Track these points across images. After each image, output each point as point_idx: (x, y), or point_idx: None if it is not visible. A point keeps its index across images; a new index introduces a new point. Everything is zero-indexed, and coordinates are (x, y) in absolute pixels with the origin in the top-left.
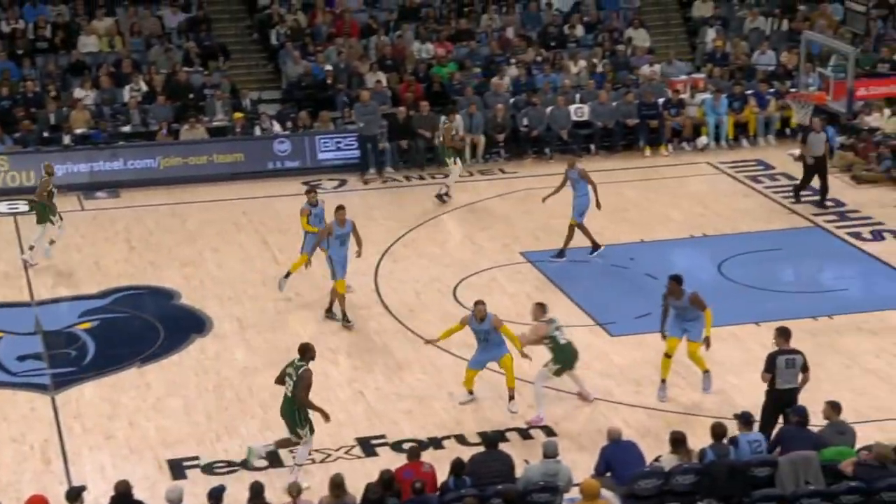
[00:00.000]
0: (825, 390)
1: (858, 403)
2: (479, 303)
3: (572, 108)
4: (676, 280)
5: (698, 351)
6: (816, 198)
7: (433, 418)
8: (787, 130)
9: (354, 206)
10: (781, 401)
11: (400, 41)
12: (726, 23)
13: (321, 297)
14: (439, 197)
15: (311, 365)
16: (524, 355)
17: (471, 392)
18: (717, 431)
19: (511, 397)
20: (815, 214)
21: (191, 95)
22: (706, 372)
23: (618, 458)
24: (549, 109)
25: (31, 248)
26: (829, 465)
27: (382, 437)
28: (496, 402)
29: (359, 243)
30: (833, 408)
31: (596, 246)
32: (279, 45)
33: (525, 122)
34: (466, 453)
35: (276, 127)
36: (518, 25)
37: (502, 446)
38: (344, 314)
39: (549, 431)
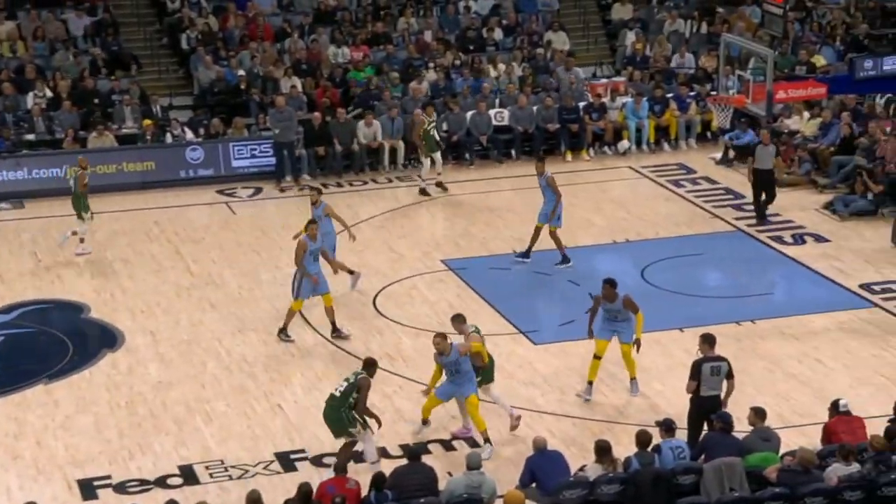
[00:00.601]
0: (749, 395)
1: (782, 409)
2: (436, 336)
3: (492, 112)
4: (611, 284)
5: (630, 352)
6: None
7: None
8: (708, 134)
9: (270, 215)
10: (705, 408)
11: (315, 45)
12: (646, 26)
13: (238, 308)
14: (440, 185)
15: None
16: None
17: (426, 421)
18: (642, 439)
19: (486, 440)
20: (737, 219)
21: (97, 102)
22: (633, 379)
23: (543, 468)
24: (468, 114)
25: (82, 240)
26: (753, 472)
27: (302, 451)
28: (417, 414)
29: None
30: (757, 414)
31: (565, 258)
32: (190, 50)
33: (444, 127)
34: (388, 466)
35: (189, 134)
36: (436, 29)
37: (425, 459)
38: (284, 328)
39: (473, 443)
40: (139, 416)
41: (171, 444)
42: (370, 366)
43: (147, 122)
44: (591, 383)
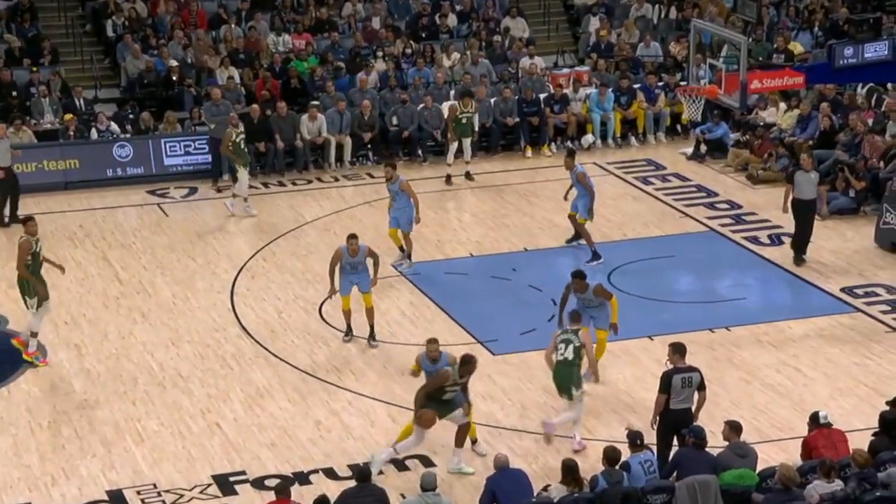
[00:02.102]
0: (724, 408)
1: (759, 422)
2: (431, 341)
3: (445, 104)
4: (580, 276)
5: (606, 338)
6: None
7: (298, 451)
8: (678, 127)
9: (206, 217)
10: (677, 422)
11: (253, 33)
12: (610, 11)
13: (171, 319)
14: (468, 175)
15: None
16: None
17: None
18: (610, 456)
19: (474, 441)
20: (710, 218)
21: (14, 94)
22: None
23: (504, 488)
24: (420, 107)
25: (234, 195)
26: (729, 490)
27: (242, 473)
28: (367, 431)
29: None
30: (733, 428)
31: (596, 255)
32: (116, 38)
33: (394, 121)
34: (336, 489)
35: (116, 129)
36: (385, 15)
37: (376, 479)
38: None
39: (427, 461)
40: (63, 438)
41: (98, 468)
42: (468, 364)
43: (69, 116)
44: None
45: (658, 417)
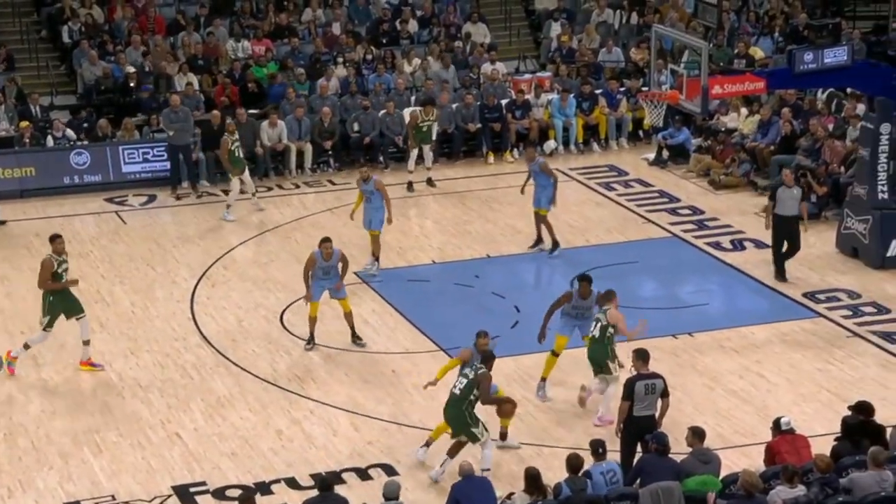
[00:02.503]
0: (687, 414)
1: (722, 428)
2: (482, 334)
3: (407, 111)
4: (588, 281)
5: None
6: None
7: (260, 460)
8: (640, 133)
9: (165, 225)
10: (640, 428)
11: (212, 39)
12: (572, 16)
13: (130, 328)
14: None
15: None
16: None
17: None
18: (573, 464)
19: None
20: (672, 224)
21: None
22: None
23: (468, 496)
24: (381, 113)
25: (228, 206)
26: (692, 496)
27: (203, 483)
28: (330, 440)
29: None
30: (696, 434)
31: (555, 244)
32: (73, 44)
33: (355, 127)
34: (298, 498)
35: (72, 136)
36: (345, 20)
37: (338, 489)
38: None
39: (390, 470)
40: (19, 450)
41: (55, 480)
42: (489, 359)
43: (24, 123)
44: (544, 380)
45: (622, 425)
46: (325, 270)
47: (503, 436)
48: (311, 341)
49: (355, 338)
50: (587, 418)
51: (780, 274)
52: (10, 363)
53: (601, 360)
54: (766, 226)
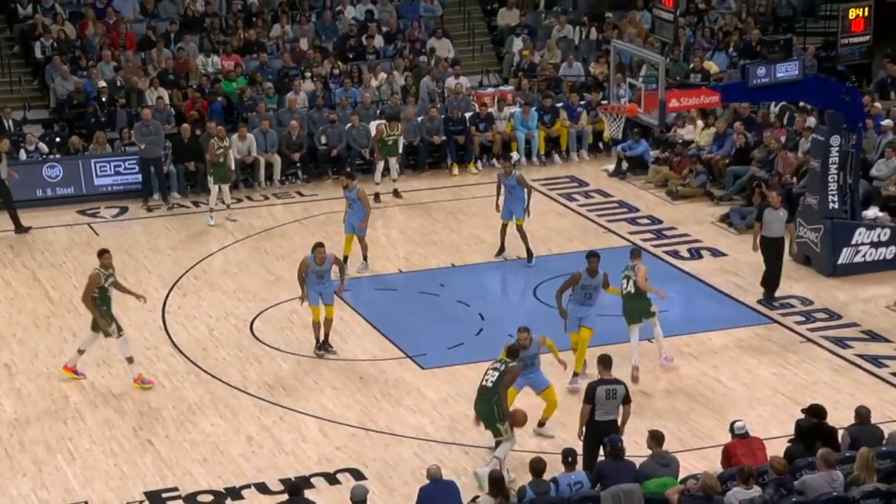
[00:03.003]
0: (647, 418)
1: (681, 431)
2: (522, 329)
3: (373, 124)
4: (597, 256)
5: (589, 337)
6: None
7: (230, 466)
8: (601, 144)
9: (137, 236)
10: (602, 433)
11: (182, 54)
12: (533, 32)
13: (102, 338)
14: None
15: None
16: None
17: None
18: (536, 467)
19: (541, 423)
20: (632, 233)
21: None
22: (575, 374)
23: (435, 499)
24: (348, 126)
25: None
26: (652, 498)
27: (175, 489)
28: (299, 445)
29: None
30: (654, 438)
31: (530, 255)
32: (45, 60)
33: (323, 140)
34: (268, 503)
35: (44, 149)
36: (312, 36)
37: (308, 493)
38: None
39: (358, 475)
40: None
41: (28, 487)
42: (514, 353)
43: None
44: (576, 374)
45: (584, 428)
46: (318, 275)
47: (541, 423)
48: (320, 346)
49: (326, 345)
50: (553, 428)
51: (769, 295)
52: (143, 381)
53: (644, 309)
54: (754, 248)
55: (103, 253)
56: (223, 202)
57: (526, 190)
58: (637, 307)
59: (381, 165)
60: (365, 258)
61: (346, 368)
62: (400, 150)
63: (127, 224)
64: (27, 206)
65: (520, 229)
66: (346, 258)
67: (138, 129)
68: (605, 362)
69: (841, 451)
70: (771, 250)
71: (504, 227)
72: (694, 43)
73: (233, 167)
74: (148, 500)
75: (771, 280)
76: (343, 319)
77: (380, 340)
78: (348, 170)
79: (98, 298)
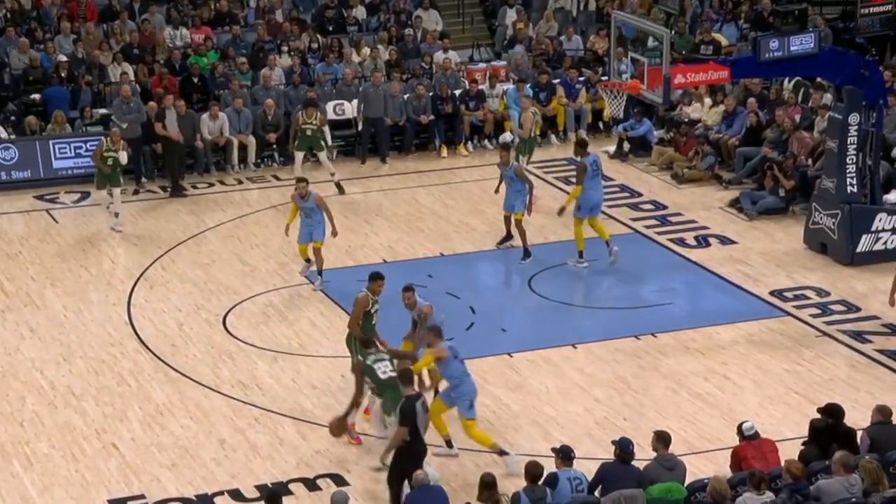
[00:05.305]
0: (650, 419)
1: (687, 433)
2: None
3: (354, 102)
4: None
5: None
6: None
7: (201, 472)
8: (600, 124)
9: (99, 224)
10: (420, 454)
11: (148, 26)
12: (528, 2)
13: (62, 333)
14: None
15: None
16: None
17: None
18: (532, 472)
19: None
20: (634, 219)
21: None
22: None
23: None
24: (329, 104)
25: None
26: None
27: (141, 497)
28: (276, 449)
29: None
30: (660, 439)
31: (527, 252)
32: None
33: None
34: None
35: (1, 132)
36: (289, 7)
37: (285, 500)
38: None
39: (339, 480)
40: None
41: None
42: (375, 278)
43: None
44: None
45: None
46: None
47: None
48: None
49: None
50: (545, 425)
51: None
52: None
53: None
54: (891, 302)
55: (378, 278)
56: (108, 208)
57: (526, 185)
58: None
59: (299, 157)
60: (319, 272)
61: (326, 366)
62: (329, 142)
63: (88, 211)
64: None
65: (518, 224)
66: (309, 260)
67: (118, 107)
68: (404, 378)
69: (860, 454)
70: None
71: (507, 218)
72: (701, 14)
73: (120, 171)
74: None
75: None
76: (323, 314)
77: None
78: (337, 181)
79: (362, 325)
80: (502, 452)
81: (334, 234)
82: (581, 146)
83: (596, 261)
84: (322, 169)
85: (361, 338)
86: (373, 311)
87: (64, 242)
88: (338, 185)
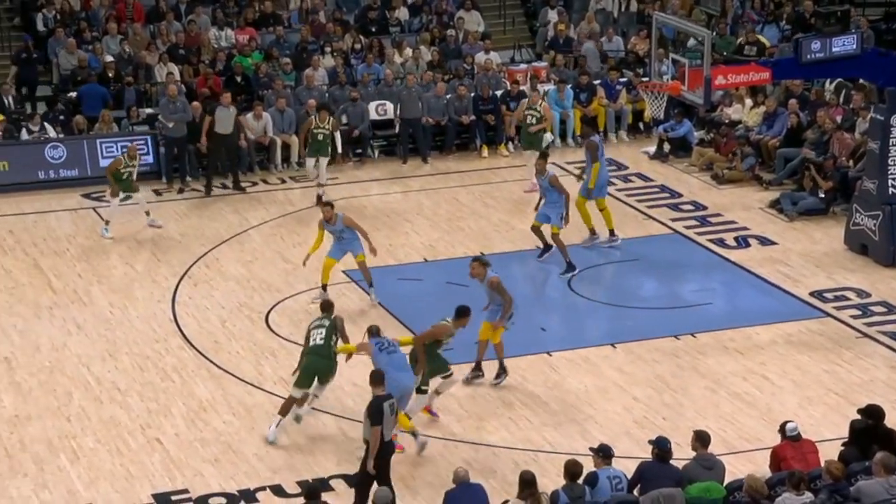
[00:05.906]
0: (689, 418)
1: (726, 433)
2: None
3: (371, 105)
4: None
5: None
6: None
7: (244, 467)
8: (641, 125)
9: (145, 222)
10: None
11: (193, 27)
12: (569, 4)
13: (108, 330)
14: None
15: None
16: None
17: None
18: (571, 470)
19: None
20: (674, 220)
21: None
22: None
23: (462, 503)
24: (371, 105)
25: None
26: (695, 503)
27: (185, 491)
28: (316, 444)
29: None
30: (700, 439)
31: (570, 265)
32: (48, 32)
33: (344, 119)
34: None
35: (49, 130)
36: (332, 8)
37: (326, 496)
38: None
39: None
40: None
41: (29, 488)
42: (329, 308)
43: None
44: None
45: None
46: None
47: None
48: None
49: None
50: (585, 423)
51: None
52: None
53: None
54: None
55: (465, 315)
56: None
57: (563, 195)
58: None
59: (310, 162)
60: (370, 284)
61: (367, 364)
62: (339, 150)
63: (135, 209)
64: (27, 190)
65: (555, 238)
66: (325, 286)
67: (164, 107)
68: (375, 379)
69: None
70: None
71: (536, 228)
72: (742, 15)
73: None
74: (156, 503)
75: None
76: (364, 312)
77: (403, 333)
78: (322, 195)
79: (428, 347)
80: (415, 434)
81: (373, 252)
82: (589, 124)
83: (636, 261)
84: (364, 168)
85: (417, 357)
86: (445, 341)
87: (110, 240)
88: (318, 198)
